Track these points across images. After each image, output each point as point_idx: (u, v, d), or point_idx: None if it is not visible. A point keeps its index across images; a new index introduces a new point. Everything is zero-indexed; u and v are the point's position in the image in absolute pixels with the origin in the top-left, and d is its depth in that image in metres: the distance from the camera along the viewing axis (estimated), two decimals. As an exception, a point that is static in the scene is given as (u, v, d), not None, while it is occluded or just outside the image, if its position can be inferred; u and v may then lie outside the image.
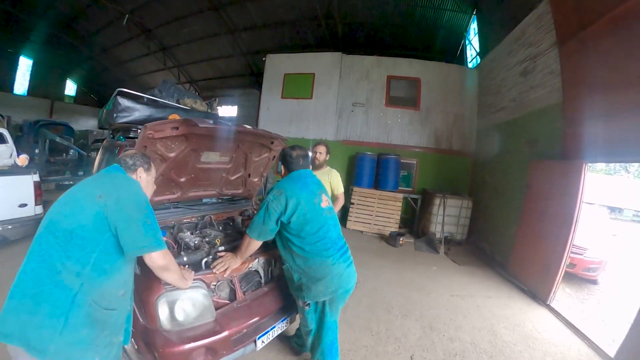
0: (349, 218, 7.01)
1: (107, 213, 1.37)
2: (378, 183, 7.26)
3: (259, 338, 2.06)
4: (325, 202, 2.20)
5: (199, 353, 1.82)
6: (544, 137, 4.60)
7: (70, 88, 18.49)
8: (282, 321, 2.25)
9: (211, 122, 2.48)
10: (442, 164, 7.65)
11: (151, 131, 2.22)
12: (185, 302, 1.89)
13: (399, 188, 7.35)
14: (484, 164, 6.73)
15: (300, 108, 8.88)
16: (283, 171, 2.33)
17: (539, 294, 3.88)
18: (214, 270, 2.05)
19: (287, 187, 2.10)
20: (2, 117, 7.34)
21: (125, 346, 1.79)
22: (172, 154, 2.55)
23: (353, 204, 7.04)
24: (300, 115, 8.89)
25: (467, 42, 8.57)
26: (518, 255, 4.55)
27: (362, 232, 6.75)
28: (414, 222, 7.09)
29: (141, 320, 1.84)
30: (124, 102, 3.33)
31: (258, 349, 2.07)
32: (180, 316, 1.85)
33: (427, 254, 5.49)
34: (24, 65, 15.89)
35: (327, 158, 3.49)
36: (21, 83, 15.92)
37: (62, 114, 16.27)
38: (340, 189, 3.38)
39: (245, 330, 2.01)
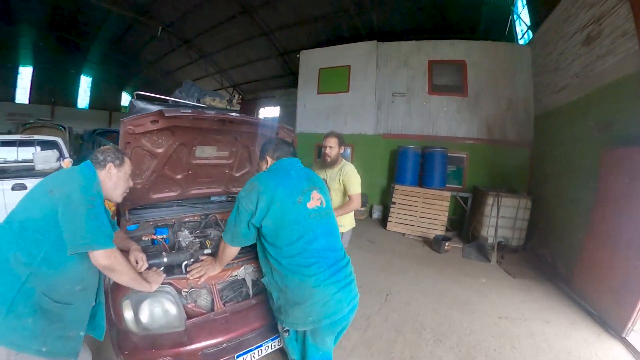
0: (389, 219, 6.61)
1: (57, 208, 1.39)
2: (423, 180, 6.74)
3: (238, 356, 1.87)
4: (315, 202, 1.78)
5: None
6: (619, 117, 3.76)
7: (126, 99, 20.93)
8: (271, 340, 1.98)
9: (190, 111, 2.32)
10: (496, 157, 6.80)
11: (130, 126, 2.17)
12: (152, 306, 1.80)
13: (447, 185, 6.73)
14: (545, 156, 5.82)
15: (337, 102, 8.69)
16: (264, 166, 1.99)
17: (611, 322, 3.11)
18: (188, 276, 1.91)
19: (262, 181, 1.75)
20: (63, 128, 8.49)
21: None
22: (160, 150, 2.51)
23: (395, 203, 6.62)
24: (337, 110, 8.70)
25: (515, 16, 7.55)
26: (586, 268, 3.77)
27: (403, 234, 6.30)
28: (463, 225, 6.41)
29: (113, 318, 1.80)
30: (139, 104, 3.44)
31: None
32: (145, 320, 1.78)
33: (477, 262, 4.91)
34: (85, 83, 19.34)
35: (342, 151, 3.02)
36: (83, 98, 19.45)
37: (119, 123, 18.33)
38: (353, 188, 2.90)
39: (223, 345, 1.83)
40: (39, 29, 12.82)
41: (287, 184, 1.76)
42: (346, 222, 3.06)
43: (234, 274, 2.09)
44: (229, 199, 3.26)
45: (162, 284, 1.81)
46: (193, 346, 1.75)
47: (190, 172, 2.78)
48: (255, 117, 2.93)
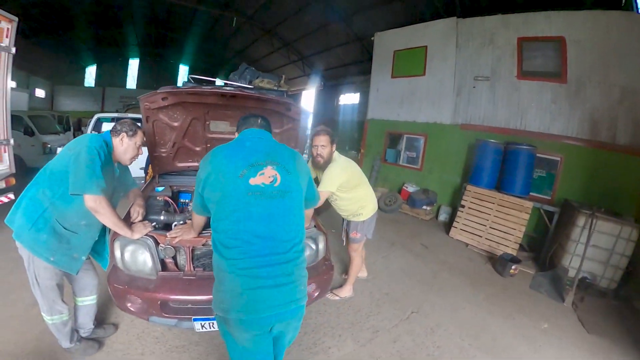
0: (454, 224, 5.86)
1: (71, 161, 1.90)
2: (502, 183, 5.73)
3: (197, 320, 2.11)
4: (263, 178, 1.56)
5: (133, 300, 2.11)
6: None
7: (218, 84, 24.48)
8: None
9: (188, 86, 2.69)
10: (600, 165, 5.21)
11: (147, 102, 2.66)
12: (133, 251, 2.16)
13: (530, 194, 5.58)
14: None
15: (412, 87, 8.04)
16: None
17: None
18: (167, 234, 2.14)
19: (214, 151, 1.70)
20: None
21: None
22: (176, 124, 2.94)
23: (464, 207, 5.83)
24: (411, 96, 8.06)
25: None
26: None
27: (466, 245, 5.51)
28: (542, 247, 5.20)
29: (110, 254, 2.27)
30: (190, 84, 3.88)
31: (197, 330, 2.16)
32: (127, 261, 2.17)
33: (546, 298, 3.93)
34: (183, 70, 23.95)
35: (334, 149, 2.93)
36: (181, 83, 24.47)
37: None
38: (321, 184, 2.82)
39: (188, 305, 2.13)
40: (142, 28, 15.80)
41: (234, 155, 1.64)
42: (354, 210, 3.17)
43: (209, 243, 2.18)
44: None
45: (147, 235, 2.13)
46: (155, 294, 2.06)
47: (208, 145, 3.11)
48: (264, 94, 2.84)
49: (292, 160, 1.72)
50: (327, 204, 3.20)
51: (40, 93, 19.49)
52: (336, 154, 2.98)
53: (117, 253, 2.16)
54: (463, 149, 6.90)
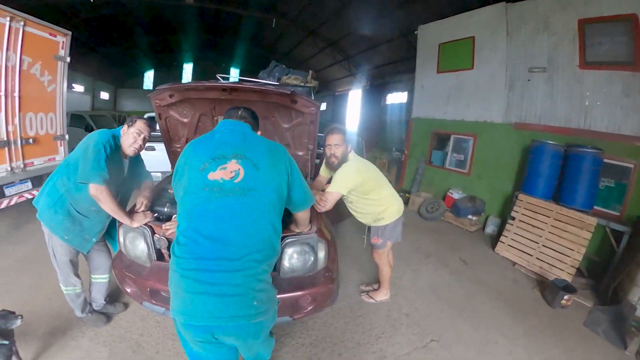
0: (501, 239, 5.17)
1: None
2: (560, 193, 4.91)
3: None
4: (224, 173, 1.46)
5: (130, 283, 2.31)
6: None
7: None
8: None
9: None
10: None
11: (156, 100, 2.80)
12: (132, 238, 2.35)
13: (594, 208, 4.65)
14: None
15: (459, 82, 7.36)
16: None
17: None
18: (163, 226, 2.25)
19: (190, 143, 1.72)
20: None
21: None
22: (186, 120, 3.06)
23: (514, 219, 5.12)
24: (458, 92, 7.39)
25: None
26: None
27: (513, 264, 4.80)
28: (605, 274, 4.24)
29: None
30: None
31: None
32: (128, 247, 2.38)
33: (604, 341, 3.15)
34: (234, 73, 24.76)
35: (349, 149, 2.82)
36: None
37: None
38: (332, 185, 2.68)
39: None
40: (193, 35, 17.13)
41: (201, 148, 1.61)
42: (373, 215, 3.00)
43: None
44: None
45: (145, 225, 2.28)
46: (146, 281, 2.22)
47: None
48: (267, 85, 2.76)
49: (267, 156, 1.57)
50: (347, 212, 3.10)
51: (104, 96, 23.79)
52: (352, 154, 2.84)
53: (121, 239, 2.41)
54: (516, 152, 6.10)
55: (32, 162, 4.78)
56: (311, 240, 2.32)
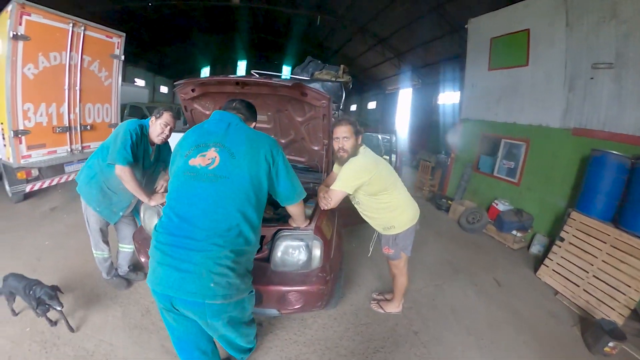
0: (545, 262, 4.53)
1: None
2: (622, 214, 4.13)
3: None
4: (201, 160, 1.60)
5: (144, 254, 2.48)
6: None
7: None
8: None
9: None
10: None
11: (181, 94, 2.97)
12: (149, 214, 2.65)
13: None
14: None
15: (512, 80, 6.67)
16: None
17: None
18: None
19: (186, 131, 1.87)
20: None
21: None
22: (208, 112, 3.15)
23: (563, 240, 4.44)
24: (512, 91, 6.71)
25: None
26: None
27: (555, 293, 4.16)
28: None
29: None
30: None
31: None
32: (146, 222, 2.69)
33: None
34: (286, 70, 25.21)
35: (359, 142, 2.59)
36: None
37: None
38: (336, 181, 2.50)
39: None
40: (246, 34, 17.76)
41: (190, 136, 1.75)
42: (383, 221, 2.80)
43: None
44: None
45: (161, 205, 2.49)
46: None
47: None
48: (276, 79, 2.80)
49: (245, 145, 1.64)
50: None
51: (163, 89, 26.90)
52: (363, 148, 2.60)
53: (142, 214, 2.72)
54: (573, 162, 5.31)
55: (89, 146, 5.82)
56: (306, 237, 2.28)
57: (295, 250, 2.30)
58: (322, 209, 2.48)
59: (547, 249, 4.96)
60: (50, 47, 4.92)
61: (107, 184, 2.66)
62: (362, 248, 3.72)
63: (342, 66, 4.91)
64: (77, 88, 5.38)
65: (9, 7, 4.43)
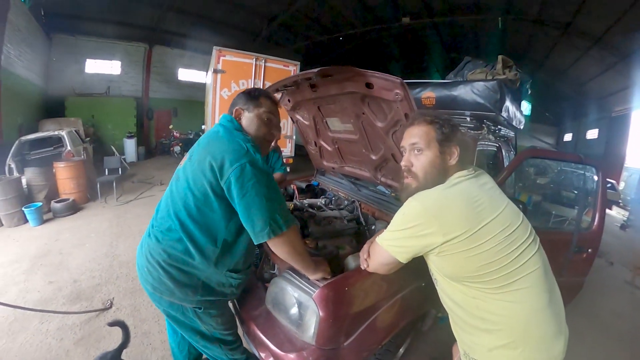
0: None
1: None
2: None
3: None
4: (182, 164, 1.69)
5: None
6: None
7: (525, 107, 21.88)
8: None
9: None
10: None
11: (284, 106, 2.96)
12: None
13: None
14: None
15: None
16: None
17: None
18: None
19: None
20: None
21: None
22: (307, 122, 3.07)
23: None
24: None
25: None
26: None
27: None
28: None
29: None
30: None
31: None
32: None
33: None
34: None
35: (453, 160, 1.38)
36: None
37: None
38: (385, 231, 1.44)
39: None
40: (437, 55, 17.77)
41: (198, 142, 1.67)
42: (469, 338, 1.44)
43: None
44: (392, 194, 2.64)
45: None
46: None
47: (336, 145, 2.99)
48: (352, 69, 1.96)
49: (202, 147, 1.57)
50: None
51: None
52: (459, 175, 1.34)
53: None
54: None
55: (267, 153, 8.20)
56: (301, 294, 1.61)
57: (281, 300, 1.74)
58: (362, 268, 1.58)
59: None
60: (239, 76, 7.41)
61: None
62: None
63: (500, 57, 3.83)
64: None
65: (213, 52, 7.15)
